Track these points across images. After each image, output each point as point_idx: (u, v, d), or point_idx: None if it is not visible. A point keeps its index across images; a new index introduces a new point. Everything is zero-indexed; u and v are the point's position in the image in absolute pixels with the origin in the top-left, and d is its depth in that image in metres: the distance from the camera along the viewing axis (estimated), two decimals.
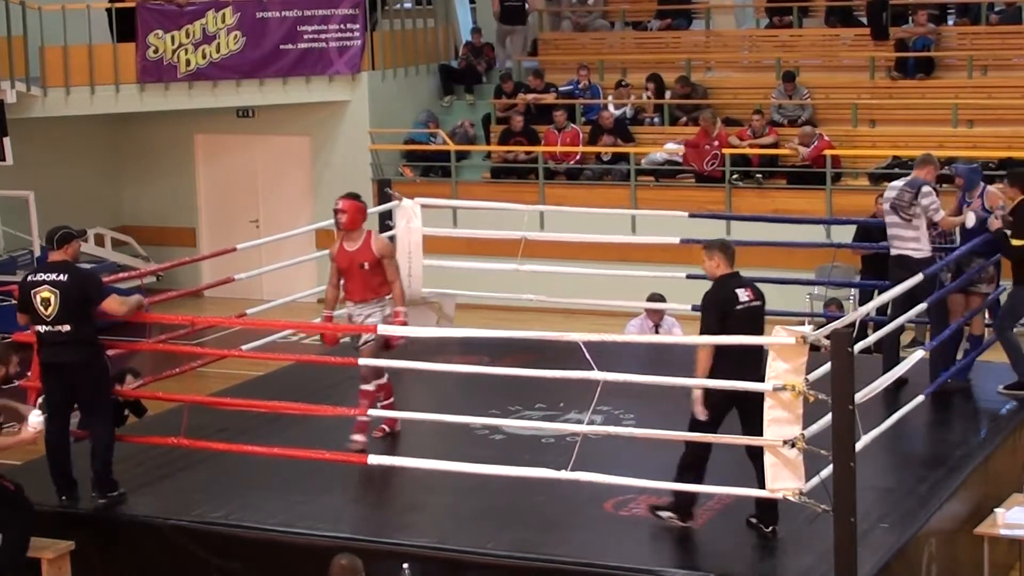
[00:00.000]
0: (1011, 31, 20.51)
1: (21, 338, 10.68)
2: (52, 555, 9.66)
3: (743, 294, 9.13)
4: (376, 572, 8.50)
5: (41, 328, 9.94)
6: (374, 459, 9.83)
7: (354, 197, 11.18)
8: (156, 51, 19.41)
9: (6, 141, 18.20)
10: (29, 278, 10.02)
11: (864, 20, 21.59)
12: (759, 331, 9.08)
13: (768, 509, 9.03)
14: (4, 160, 18.29)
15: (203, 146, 21.95)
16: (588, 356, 9.01)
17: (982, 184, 12.29)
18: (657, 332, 13.72)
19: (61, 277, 9.89)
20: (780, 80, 20.57)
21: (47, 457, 10.14)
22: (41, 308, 9.84)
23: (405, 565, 8.71)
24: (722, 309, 9.06)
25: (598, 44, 23.08)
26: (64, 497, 10.08)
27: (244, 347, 12.43)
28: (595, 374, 9.03)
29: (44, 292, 9.85)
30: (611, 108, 20.94)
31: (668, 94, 20.96)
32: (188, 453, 10.58)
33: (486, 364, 12.19)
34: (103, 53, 19.18)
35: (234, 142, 21.71)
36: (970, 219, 12.10)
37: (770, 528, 9.06)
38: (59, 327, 9.86)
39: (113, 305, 10.13)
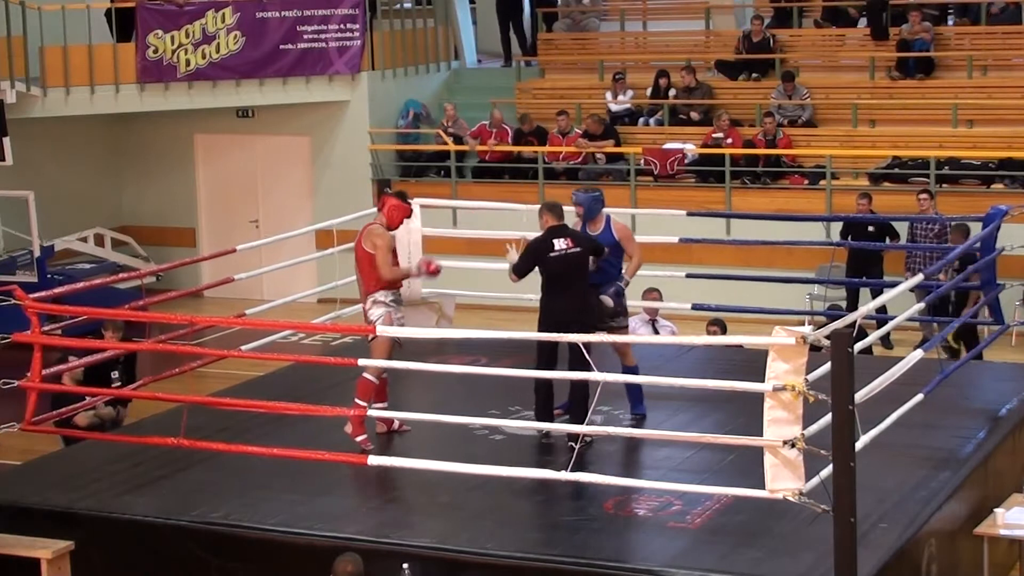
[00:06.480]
0: (1011, 31, 20.50)
1: (21, 338, 10.68)
2: (52, 555, 9.66)
3: (560, 243, 10.64)
4: (376, 572, 8.51)
5: None
6: (374, 460, 9.83)
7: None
8: (156, 51, 19.40)
9: (6, 141, 18.19)
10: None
11: (856, 20, 21.60)
12: (578, 274, 10.67)
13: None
14: (4, 160, 18.28)
15: (203, 146, 21.94)
16: (588, 357, 9.01)
17: (605, 213, 11.35)
18: (654, 326, 13.71)
19: None
20: (780, 80, 20.58)
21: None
22: None
23: (405, 565, 8.71)
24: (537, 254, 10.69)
25: (597, 44, 23.08)
26: None
27: (244, 347, 12.42)
28: (595, 375, 9.02)
29: None
30: (611, 105, 20.97)
31: (672, 92, 20.97)
32: (188, 453, 10.56)
33: (485, 364, 12.21)
34: (103, 53, 19.19)
35: (234, 142, 21.70)
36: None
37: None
38: None
39: None
